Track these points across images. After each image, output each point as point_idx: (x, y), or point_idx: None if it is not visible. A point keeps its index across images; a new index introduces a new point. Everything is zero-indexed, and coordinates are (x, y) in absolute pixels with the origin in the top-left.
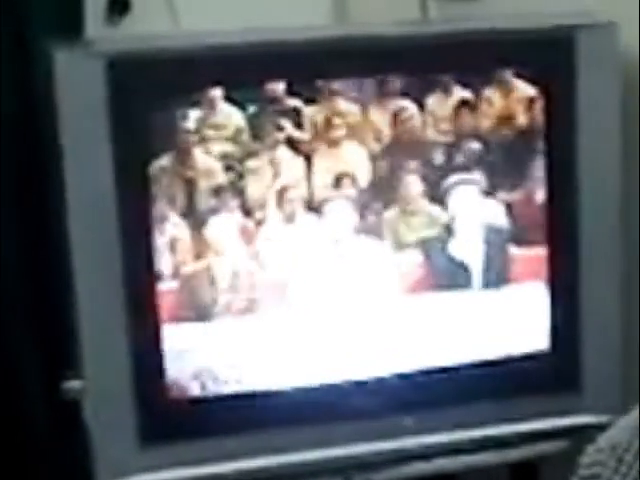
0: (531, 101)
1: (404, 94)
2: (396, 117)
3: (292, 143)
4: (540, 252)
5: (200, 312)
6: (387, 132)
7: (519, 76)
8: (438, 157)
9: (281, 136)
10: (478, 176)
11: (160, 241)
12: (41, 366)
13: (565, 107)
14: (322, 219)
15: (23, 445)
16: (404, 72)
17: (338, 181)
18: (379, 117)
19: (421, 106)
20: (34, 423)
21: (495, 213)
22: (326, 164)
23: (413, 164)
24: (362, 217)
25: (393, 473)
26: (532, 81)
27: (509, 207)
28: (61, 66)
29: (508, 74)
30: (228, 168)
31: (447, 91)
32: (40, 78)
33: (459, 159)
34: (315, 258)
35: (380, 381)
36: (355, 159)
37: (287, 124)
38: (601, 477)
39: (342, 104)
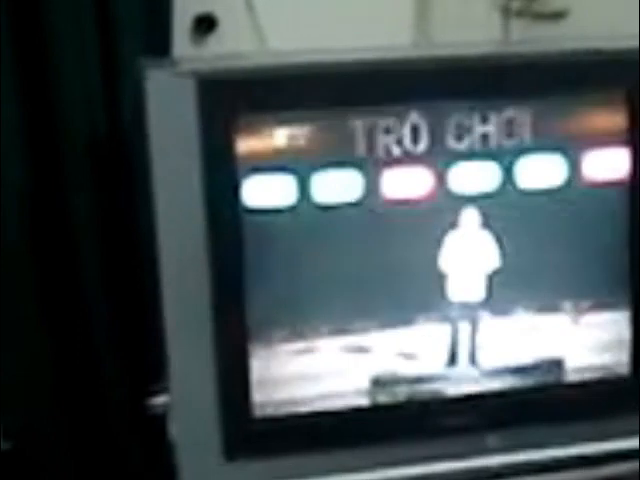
0: (616, 121)
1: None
2: None
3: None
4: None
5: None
6: None
7: (603, 96)
8: None
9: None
10: None
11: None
12: (127, 381)
13: None
14: None
15: (108, 460)
16: (485, 93)
17: None
18: None
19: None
20: (119, 438)
21: None
22: None
23: None
24: None
25: None
26: (617, 101)
27: None
28: (153, 85)
29: (594, 95)
30: None
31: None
32: (129, 97)
33: None
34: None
35: (466, 399)
36: None
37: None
38: None
39: None
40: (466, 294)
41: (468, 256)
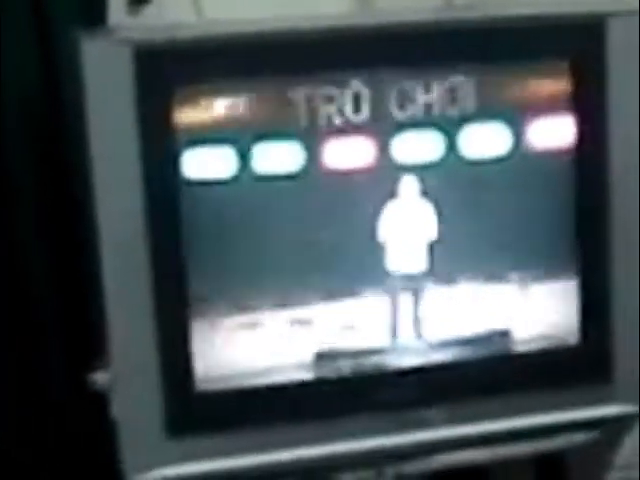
0: (560, 88)
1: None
2: None
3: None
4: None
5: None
6: None
7: (547, 64)
8: None
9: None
10: None
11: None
12: (67, 357)
13: (594, 93)
14: None
15: (48, 436)
16: (427, 60)
17: None
18: None
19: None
20: (60, 414)
21: None
22: None
23: None
24: None
25: (423, 464)
26: (561, 69)
27: None
28: (88, 54)
29: (538, 63)
30: None
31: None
32: (65, 66)
33: None
34: None
35: (411, 371)
36: None
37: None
38: None
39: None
40: (407, 265)
41: (408, 226)
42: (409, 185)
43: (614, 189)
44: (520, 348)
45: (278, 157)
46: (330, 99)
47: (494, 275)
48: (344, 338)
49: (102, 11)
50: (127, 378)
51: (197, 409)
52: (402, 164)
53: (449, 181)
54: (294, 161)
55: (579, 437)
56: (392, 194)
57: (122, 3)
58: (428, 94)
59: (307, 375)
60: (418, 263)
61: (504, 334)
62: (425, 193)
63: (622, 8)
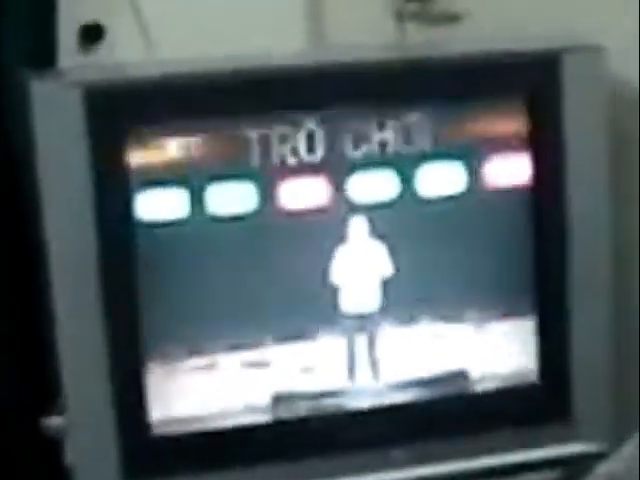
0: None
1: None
2: None
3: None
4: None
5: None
6: None
7: (503, 101)
8: None
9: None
10: None
11: None
12: (20, 401)
13: (551, 130)
14: None
15: None
16: (382, 99)
17: None
18: None
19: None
20: (12, 459)
21: None
22: None
23: None
24: None
25: None
26: (517, 106)
27: None
28: (38, 96)
29: (494, 100)
30: None
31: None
32: (14, 108)
33: None
34: None
35: (369, 413)
36: None
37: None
38: None
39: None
40: (361, 305)
41: (360, 267)
42: (359, 226)
43: (572, 227)
44: (478, 388)
45: (232, 198)
46: (284, 139)
47: (451, 314)
48: (301, 380)
49: (52, 52)
50: (82, 423)
51: (153, 454)
52: (357, 204)
53: (405, 220)
54: (248, 202)
55: (541, 476)
56: (346, 234)
57: (73, 42)
58: (383, 133)
59: (265, 417)
60: (372, 303)
61: (462, 374)
62: (379, 232)
63: (577, 44)
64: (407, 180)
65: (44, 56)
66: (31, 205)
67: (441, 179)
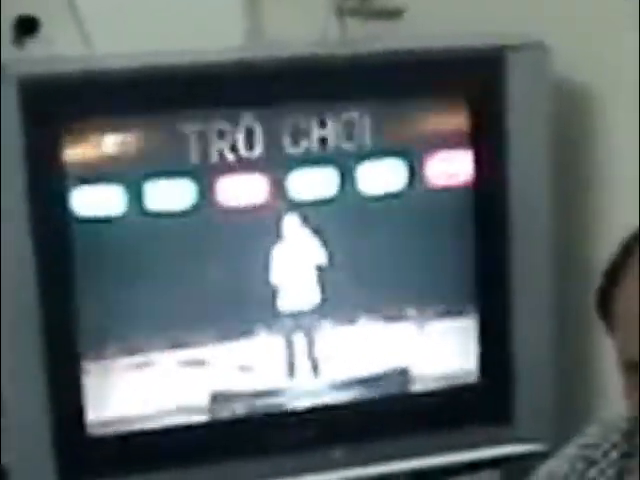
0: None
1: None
2: None
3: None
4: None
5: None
6: None
7: (444, 99)
8: None
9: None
10: None
11: None
12: None
13: (494, 128)
14: None
15: None
16: (322, 95)
17: None
18: None
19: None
20: None
21: None
22: None
23: None
24: None
25: None
26: (458, 104)
27: None
28: None
29: (434, 97)
30: None
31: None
32: None
33: None
34: None
35: (309, 412)
36: None
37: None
38: None
39: None
40: (299, 303)
41: (296, 264)
42: (294, 223)
43: (513, 224)
44: (419, 387)
45: (169, 194)
46: (222, 134)
47: (391, 313)
48: (239, 379)
49: None
50: (17, 424)
51: (89, 455)
52: (297, 201)
53: (345, 217)
54: (186, 198)
55: (482, 477)
56: (284, 232)
57: (7, 35)
58: (323, 129)
59: (202, 417)
60: (310, 301)
61: (402, 373)
62: (319, 229)
63: (521, 41)
64: (347, 177)
65: None
66: None
67: (382, 176)
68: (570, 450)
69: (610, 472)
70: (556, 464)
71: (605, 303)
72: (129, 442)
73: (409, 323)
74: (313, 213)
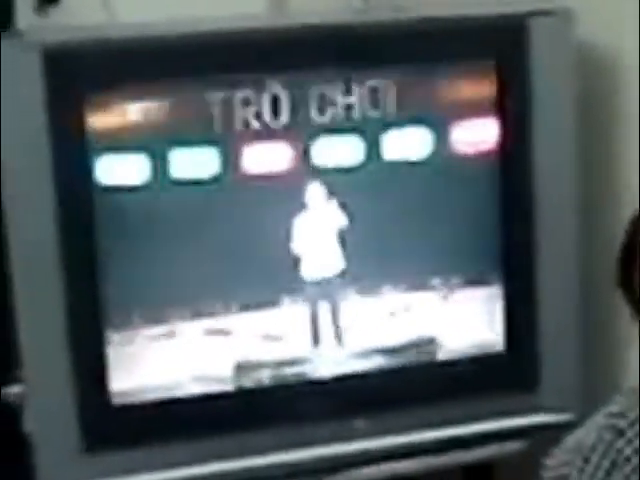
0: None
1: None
2: None
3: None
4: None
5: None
6: None
7: (469, 66)
8: None
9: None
10: None
11: None
12: None
13: (519, 95)
14: None
15: None
16: (348, 62)
17: None
18: None
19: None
20: None
21: None
22: None
23: None
24: None
25: (346, 477)
26: (483, 71)
27: None
28: None
29: (461, 64)
30: None
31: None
32: None
33: None
34: None
35: (334, 381)
36: None
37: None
38: (568, 477)
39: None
40: (323, 270)
41: (320, 232)
42: (317, 191)
43: (539, 192)
44: (444, 356)
45: (194, 162)
46: (247, 102)
47: (417, 282)
48: (264, 348)
49: (9, 13)
50: (41, 392)
51: (113, 423)
52: (322, 168)
53: (369, 185)
54: (211, 167)
55: (507, 446)
56: (308, 200)
57: (30, 3)
58: (348, 97)
59: (227, 386)
60: (334, 267)
61: (429, 342)
62: (341, 197)
63: (545, 7)
64: (373, 145)
65: (1, 16)
66: None
67: (407, 144)
68: (597, 419)
69: (637, 443)
70: (584, 434)
71: (625, 275)
72: (153, 411)
73: (434, 293)
74: (338, 181)
